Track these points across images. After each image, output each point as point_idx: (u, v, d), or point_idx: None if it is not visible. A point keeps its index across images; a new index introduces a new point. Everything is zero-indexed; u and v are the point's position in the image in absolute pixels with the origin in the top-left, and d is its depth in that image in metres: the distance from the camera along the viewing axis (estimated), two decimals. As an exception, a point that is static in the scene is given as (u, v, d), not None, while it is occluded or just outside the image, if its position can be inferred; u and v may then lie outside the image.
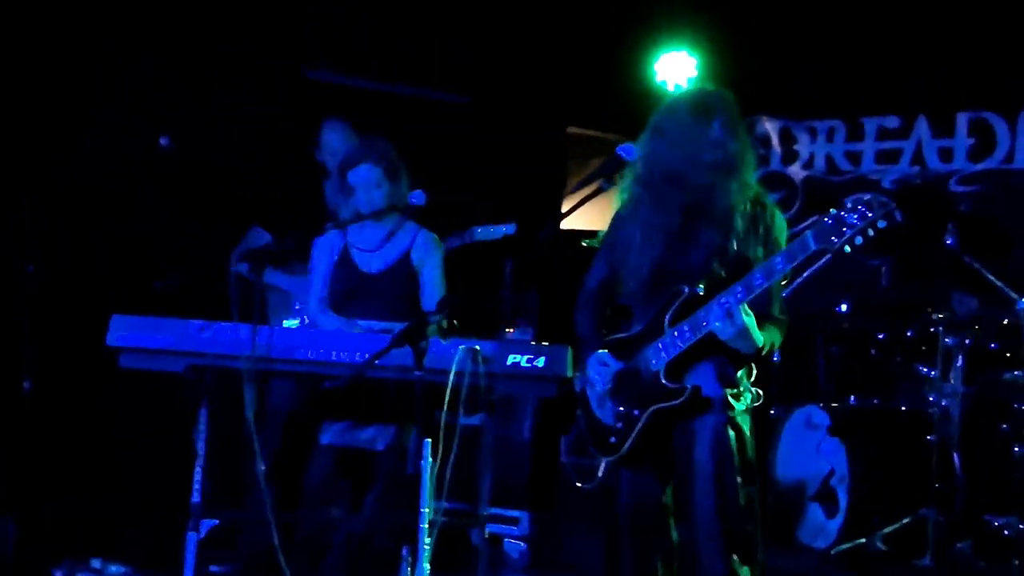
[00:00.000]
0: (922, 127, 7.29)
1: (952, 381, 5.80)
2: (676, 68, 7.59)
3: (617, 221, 3.60)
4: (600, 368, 3.49)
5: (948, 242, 5.59)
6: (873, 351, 6.22)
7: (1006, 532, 5.45)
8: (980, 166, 7.07)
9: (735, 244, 3.33)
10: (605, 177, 3.48)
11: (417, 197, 4.19)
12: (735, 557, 3.31)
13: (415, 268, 4.48)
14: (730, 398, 3.38)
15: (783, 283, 3.42)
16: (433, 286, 4.48)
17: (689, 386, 3.32)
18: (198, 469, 3.96)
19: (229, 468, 4.14)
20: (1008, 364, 5.67)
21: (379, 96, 6.84)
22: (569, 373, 3.82)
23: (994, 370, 5.76)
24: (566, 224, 7.68)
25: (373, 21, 6.91)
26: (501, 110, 7.30)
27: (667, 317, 3.36)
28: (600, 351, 3.51)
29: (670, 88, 7.59)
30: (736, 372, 3.40)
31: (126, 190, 5.85)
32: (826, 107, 7.56)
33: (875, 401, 6.18)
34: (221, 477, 4.03)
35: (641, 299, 3.48)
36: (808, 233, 3.11)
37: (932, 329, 5.84)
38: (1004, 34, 6.73)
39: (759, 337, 3.22)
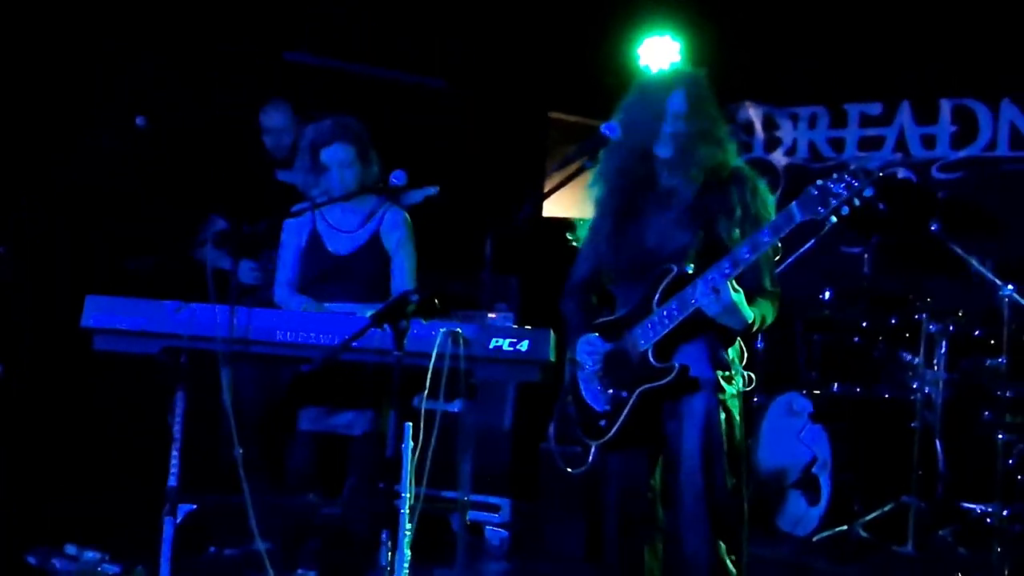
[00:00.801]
0: (905, 114, 7.27)
1: (935, 368, 5.79)
2: (659, 53, 7.53)
3: (597, 207, 3.56)
4: (588, 349, 3.46)
5: (932, 228, 5.57)
6: (856, 338, 6.22)
7: (988, 520, 5.45)
8: (962, 153, 7.06)
9: (715, 220, 3.29)
10: (588, 156, 3.42)
11: (398, 177, 4.12)
12: (721, 544, 3.28)
13: (386, 248, 4.44)
14: (721, 380, 3.33)
15: (775, 257, 3.37)
16: (405, 266, 4.44)
17: (677, 366, 3.27)
18: (175, 453, 3.91)
19: (207, 452, 4.08)
20: (990, 351, 5.66)
21: (358, 79, 6.77)
22: (552, 357, 3.77)
23: (977, 357, 5.75)
24: (548, 212, 7.68)
25: (353, 3, 6.84)
26: (482, 94, 7.24)
27: (656, 296, 3.31)
28: (588, 334, 3.47)
29: (653, 73, 7.55)
30: (727, 351, 3.36)
31: (101, 170, 5.78)
32: (809, 93, 7.54)
33: (857, 388, 6.17)
34: (199, 461, 3.97)
35: (627, 281, 3.44)
36: (793, 204, 3.06)
37: (915, 316, 5.83)
38: (986, 21, 6.72)
39: (748, 312, 3.18)
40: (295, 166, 4.85)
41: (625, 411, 3.34)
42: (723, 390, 3.33)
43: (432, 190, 4.44)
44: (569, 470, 3.48)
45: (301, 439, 4.39)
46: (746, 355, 3.46)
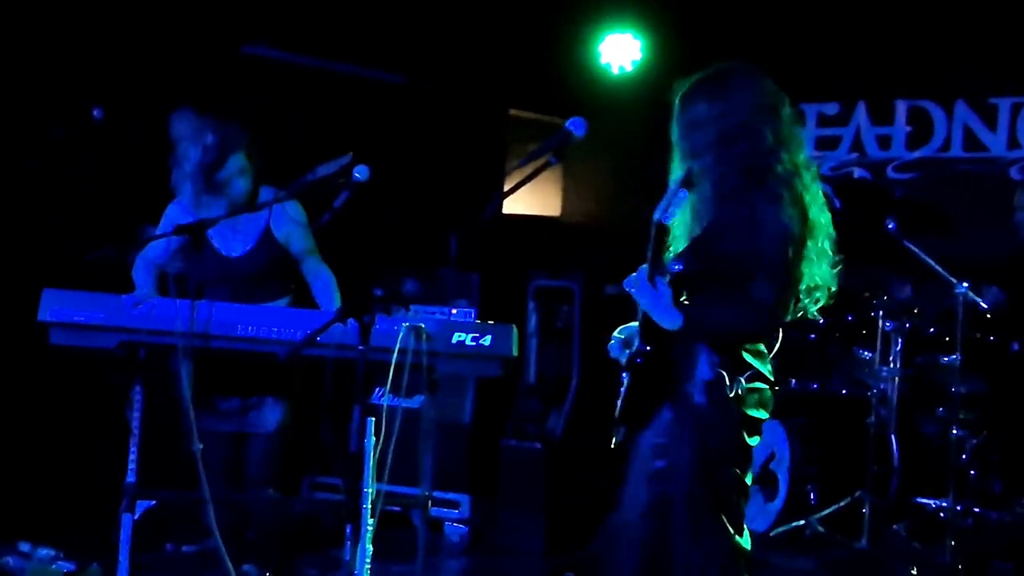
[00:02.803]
0: (861, 114, 7.35)
1: (890, 365, 5.86)
2: (620, 50, 7.57)
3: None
4: (615, 337, 3.40)
5: (889, 227, 5.63)
6: (812, 335, 6.27)
7: (941, 514, 5.53)
8: (917, 153, 7.15)
9: (712, 228, 3.23)
10: (553, 152, 3.41)
11: (361, 172, 4.10)
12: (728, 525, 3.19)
13: (281, 243, 4.34)
14: (725, 378, 3.17)
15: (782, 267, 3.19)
16: (308, 254, 4.34)
17: (644, 350, 3.20)
18: (133, 448, 3.87)
19: (166, 447, 4.04)
20: (945, 348, 5.74)
21: (318, 74, 6.72)
22: (515, 353, 3.78)
23: (931, 354, 5.82)
24: (507, 209, 7.66)
25: (312, -3, 6.80)
26: (442, 91, 7.22)
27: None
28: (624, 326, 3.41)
29: (614, 71, 7.58)
30: (721, 354, 3.20)
31: (58, 161, 5.70)
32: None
33: (814, 385, 6.23)
34: (157, 457, 3.94)
35: None
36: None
37: (871, 314, 5.90)
38: (942, 24, 6.80)
39: (669, 316, 3.09)
40: (177, 190, 4.62)
41: (622, 393, 3.28)
42: (720, 387, 3.16)
43: (347, 158, 4.33)
44: (612, 445, 3.34)
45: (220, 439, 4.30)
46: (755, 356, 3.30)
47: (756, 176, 3.21)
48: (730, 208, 3.21)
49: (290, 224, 4.33)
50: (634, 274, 3.18)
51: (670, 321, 3.12)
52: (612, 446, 3.38)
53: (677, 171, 3.34)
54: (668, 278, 3.13)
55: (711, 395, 3.16)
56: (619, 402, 3.31)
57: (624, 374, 3.33)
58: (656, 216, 3.13)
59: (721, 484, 3.20)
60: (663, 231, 3.17)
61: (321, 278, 4.34)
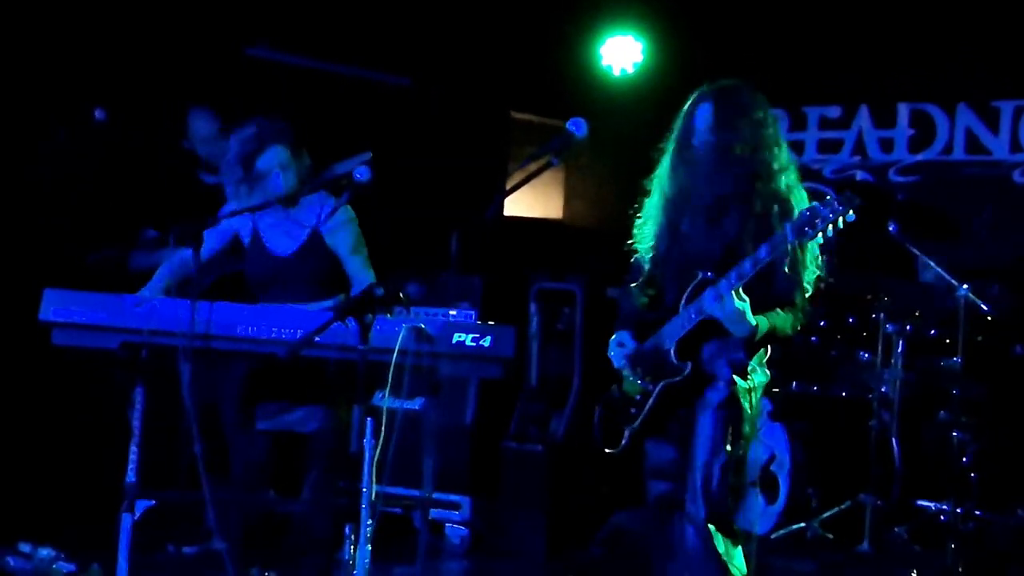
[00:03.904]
0: (863, 117, 7.35)
1: (892, 368, 5.85)
2: (622, 52, 7.57)
3: (657, 209, 3.77)
4: (616, 348, 3.73)
5: (891, 229, 5.63)
6: (814, 338, 6.27)
7: (942, 517, 5.52)
8: (919, 156, 7.15)
9: (744, 236, 3.53)
10: (554, 153, 3.42)
11: (362, 173, 4.10)
12: (716, 532, 3.49)
13: (329, 245, 4.35)
14: (736, 377, 3.55)
15: (812, 275, 3.57)
16: (354, 258, 4.35)
17: (689, 364, 3.54)
18: (133, 448, 3.86)
19: (166, 448, 4.04)
20: (946, 351, 5.73)
21: (321, 76, 6.73)
22: (514, 354, 3.78)
23: (933, 357, 5.82)
24: (509, 211, 7.66)
25: (316, -1, 6.80)
26: (443, 93, 7.22)
27: (684, 298, 3.57)
28: (620, 332, 3.74)
29: (616, 73, 7.58)
30: (746, 352, 3.57)
31: (61, 162, 5.71)
32: (769, 95, 7.56)
33: (815, 388, 6.23)
34: (158, 457, 3.93)
35: (670, 282, 3.69)
36: (787, 226, 3.37)
37: (873, 316, 5.89)
38: (944, 27, 6.80)
39: (751, 320, 3.42)
40: (224, 178, 4.73)
41: (650, 402, 3.63)
42: (735, 384, 3.55)
43: (366, 156, 4.35)
44: (608, 450, 3.76)
45: (257, 437, 4.34)
46: (768, 353, 3.66)
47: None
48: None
49: (337, 225, 4.35)
50: (711, 291, 3.43)
51: (746, 328, 3.43)
52: (612, 452, 3.73)
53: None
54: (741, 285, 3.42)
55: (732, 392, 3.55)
56: (640, 415, 3.65)
57: (650, 386, 3.61)
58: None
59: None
60: None
61: (360, 283, 4.31)
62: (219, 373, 4.51)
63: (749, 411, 3.59)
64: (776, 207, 3.52)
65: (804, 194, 3.61)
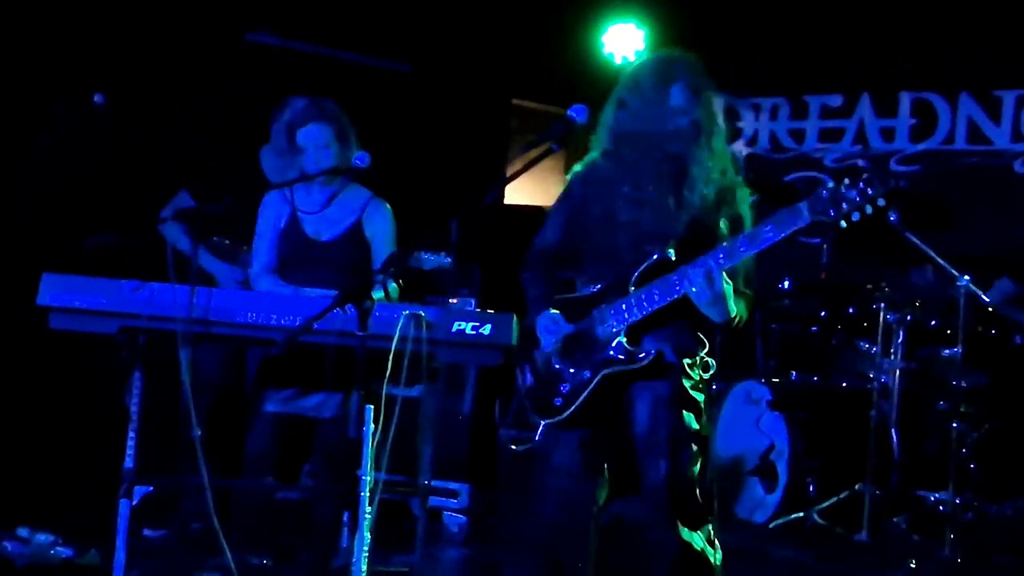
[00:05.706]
0: (865, 106, 7.33)
1: (892, 358, 5.85)
2: (624, 40, 7.55)
3: (578, 185, 3.53)
4: (550, 327, 3.44)
5: (891, 219, 5.61)
6: (814, 327, 6.26)
7: (941, 507, 5.52)
8: (921, 146, 7.13)
9: (704, 212, 3.30)
10: (555, 140, 3.39)
11: (361, 159, 4.08)
12: (681, 526, 3.27)
13: (367, 239, 4.37)
14: (686, 366, 3.34)
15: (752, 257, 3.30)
16: (386, 253, 4.34)
17: (652, 351, 3.26)
18: (131, 434, 3.86)
19: (164, 433, 4.02)
20: (946, 341, 5.73)
21: (322, 61, 6.71)
22: (515, 341, 3.76)
23: (933, 347, 5.81)
24: (510, 199, 7.64)
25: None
26: (447, 80, 7.20)
27: (633, 279, 3.30)
28: (551, 311, 3.45)
29: (617, 61, 7.56)
30: (701, 340, 3.37)
31: (59, 146, 5.70)
32: (771, 84, 7.57)
33: (815, 377, 6.22)
34: (156, 442, 3.92)
35: (600, 260, 3.43)
36: (803, 203, 3.03)
37: (873, 306, 5.88)
38: (946, 16, 6.78)
39: (732, 307, 3.18)
40: (271, 145, 4.80)
41: (586, 391, 3.33)
42: (690, 376, 3.34)
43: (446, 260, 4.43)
44: (513, 447, 3.47)
45: (263, 421, 4.33)
46: (708, 344, 3.45)
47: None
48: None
49: (378, 225, 4.37)
50: (693, 269, 3.14)
51: (724, 314, 3.17)
52: (518, 449, 3.40)
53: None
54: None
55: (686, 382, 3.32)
56: (570, 407, 3.32)
57: (585, 373, 3.32)
58: None
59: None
60: None
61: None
62: (218, 356, 4.50)
63: (703, 405, 3.35)
64: (726, 180, 3.31)
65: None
